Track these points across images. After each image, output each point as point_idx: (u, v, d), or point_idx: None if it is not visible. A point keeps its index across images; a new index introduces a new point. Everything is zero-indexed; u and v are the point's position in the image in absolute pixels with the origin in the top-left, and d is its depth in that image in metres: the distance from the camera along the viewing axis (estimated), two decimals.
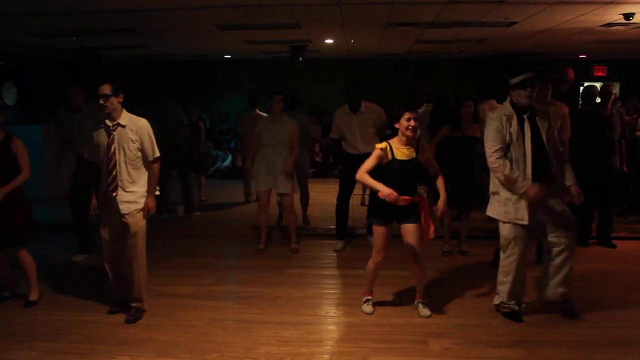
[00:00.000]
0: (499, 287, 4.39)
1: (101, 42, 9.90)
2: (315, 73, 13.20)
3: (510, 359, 3.73)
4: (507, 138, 4.14)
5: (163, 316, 4.44)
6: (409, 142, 4.19)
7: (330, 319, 4.47)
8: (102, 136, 4.27)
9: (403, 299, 4.78)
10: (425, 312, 4.41)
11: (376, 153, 4.18)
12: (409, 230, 4.27)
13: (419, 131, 4.26)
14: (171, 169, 8.07)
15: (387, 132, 5.06)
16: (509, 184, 4.12)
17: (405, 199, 4.13)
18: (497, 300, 4.44)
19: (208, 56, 13.39)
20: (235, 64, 14.16)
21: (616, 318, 4.44)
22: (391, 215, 4.26)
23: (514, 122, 4.13)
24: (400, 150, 4.18)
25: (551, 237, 4.24)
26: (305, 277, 5.49)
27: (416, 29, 9.15)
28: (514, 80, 4.15)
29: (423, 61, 13.57)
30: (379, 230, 4.32)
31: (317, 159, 12.31)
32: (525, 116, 4.14)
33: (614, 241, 6.47)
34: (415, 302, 4.50)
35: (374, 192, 4.31)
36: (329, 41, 10.85)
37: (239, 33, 9.52)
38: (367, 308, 4.51)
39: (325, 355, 3.79)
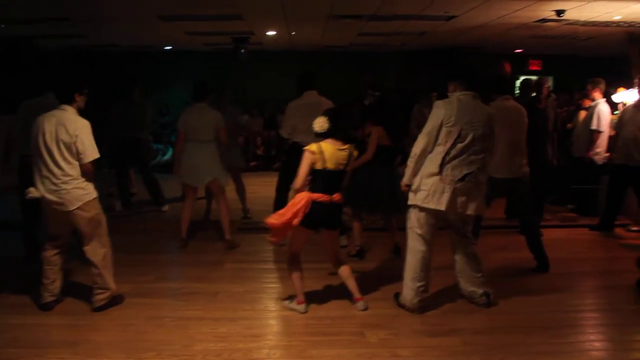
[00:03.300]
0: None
1: (36, 30, 9.54)
2: (258, 64, 13.12)
3: (446, 347, 3.84)
4: None
5: (98, 315, 4.34)
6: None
7: (269, 313, 4.48)
8: None
9: (340, 291, 4.81)
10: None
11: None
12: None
13: None
14: (129, 164, 7.93)
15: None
16: None
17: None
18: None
19: (149, 47, 13.11)
20: (177, 55, 13.90)
21: (546, 303, 4.64)
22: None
23: None
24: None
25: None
26: (245, 271, 5.47)
27: (358, 22, 9.22)
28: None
29: (366, 53, 13.67)
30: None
31: (259, 152, 12.27)
32: None
33: (542, 230, 6.72)
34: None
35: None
36: (271, 33, 10.80)
37: (180, 24, 9.36)
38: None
39: (264, 350, 3.80)
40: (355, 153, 4.34)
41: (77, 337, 3.96)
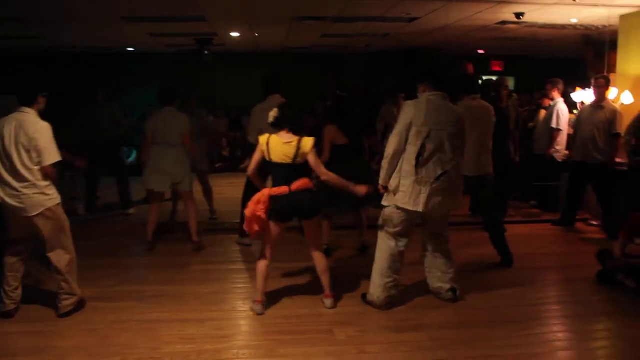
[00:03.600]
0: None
1: None
2: (223, 66, 13.06)
3: (412, 342, 3.88)
4: None
5: (62, 321, 4.24)
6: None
7: (237, 313, 4.44)
8: None
9: (308, 289, 4.84)
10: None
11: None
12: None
13: None
14: (100, 167, 7.83)
15: None
16: None
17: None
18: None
19: (111, 49, 12.92)
20: (140, 57, 13.74)
21: (510, 297, 4.74)
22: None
23: None
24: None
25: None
26: (212, 272, 5.43)
27: (322, 23, 9.25)
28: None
29: (331, 55, 13.73)
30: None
31: (225, 153, 12.19)
32: None
33: (506, 226, 6.85)
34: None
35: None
36: (235, 34, 10.76)
37: (143, 25, 9.25)
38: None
39: (232, 351, 3.77)
40: (307, 147, 4.22)
41: (42, 343, 3.87)
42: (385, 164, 4.29)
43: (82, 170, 7.43)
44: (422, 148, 4.16)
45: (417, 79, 4.39)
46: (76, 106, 7.85)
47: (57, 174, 4.23)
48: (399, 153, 4.23)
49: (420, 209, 4.18)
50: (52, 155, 4.10)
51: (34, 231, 4.23)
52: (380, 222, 4.44)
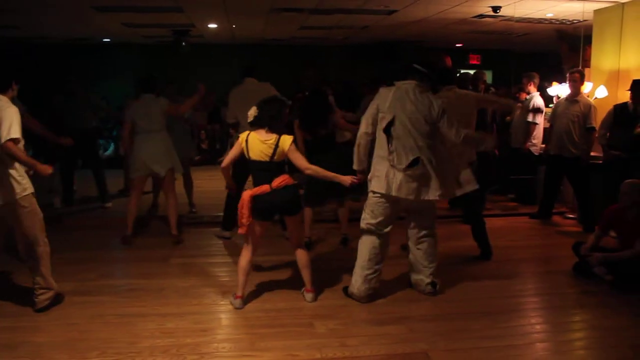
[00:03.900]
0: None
1: None
2: (201, 58, 12.94)
3: (393, 335, 3.89)
4: None
5: (39, 315, 4.18)
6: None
7: (216, 307, 4.41)
8: None
9: (288, 283, 4.84)
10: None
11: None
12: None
13: None
14: (77, 159, 7.68)
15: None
16: None
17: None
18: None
19: (86, 39, 12.71)
20: (116, 48, 13.54)
21: (488, 289, 4.79)
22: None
23: None
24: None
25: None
26: (191, 266, 5.39)
27: (300, 15, 9.22)
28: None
29: (309, 47, 13.69)
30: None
31: (204, 146, 12.09)
32: None
33: (485, 218, 6.92)
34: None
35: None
36: (213, 26, 10.66)
37: (116, 15, 9.11)
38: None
39: (212, 344, 3.75)
40: (285, 145, 4.16)
41: (18, 339, 3.79)
42: (355, 148, 4.39)
43: (60, 160, 7.36)
44: (389, 133, 4.20)
45: (403, 72, 4.39)
46: (50, 96, 7.73)
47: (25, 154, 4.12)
48: (365, 136, 4.33)
49: (393, 192, 4.20)
50: (13, 131, 3.91)
51: (6, 223, 4.14)
52: (363, 214, 4.44)
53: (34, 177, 4.24)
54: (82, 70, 13.35)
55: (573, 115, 6.71)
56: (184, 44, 11.19)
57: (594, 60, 7.73)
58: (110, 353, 3.60)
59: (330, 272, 5.08)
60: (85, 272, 5.15)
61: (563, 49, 9.77)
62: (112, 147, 12.07)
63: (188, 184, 7.20)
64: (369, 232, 4.39)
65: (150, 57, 13.36)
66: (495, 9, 8.06)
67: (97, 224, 6.94)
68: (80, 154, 7.89)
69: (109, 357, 3.55)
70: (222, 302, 4.49)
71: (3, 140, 3.91)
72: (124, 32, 11.14)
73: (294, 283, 4.74)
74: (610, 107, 6.49)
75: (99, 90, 12.86)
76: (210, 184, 8.20)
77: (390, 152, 4.21)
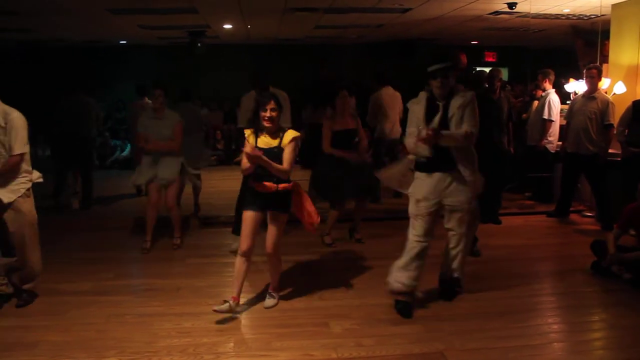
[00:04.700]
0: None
1: None
2: (215, 59, 12.99)
3: (408, 334, 3.88)
4: (419, 124, 4.15)
5: (58, 315, 4.23)
6: (270, 131, 4.15)
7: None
8: None
9: (303, 282, 4.85)
10: (270, 302, 4.39)
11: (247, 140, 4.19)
12: (270, 219, 4.21)
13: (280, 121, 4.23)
14: (75, 161, 7.80)
15: None
16: (417, 154, 4.16)
17: (265, 184, 4.09)
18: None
19: (102, 42, 12.83)
20: (132, 50, 13.65)
21: (505, 289, 4.74)
22: (261, 202, 4.17)
23: (422, 110, 4.16)
24: (262, 138, 4.16)
25: (448, 223, 4.35)
26: (207, 266, 5.42)
27: (314, 14, 9.22)
28: (428, 70, 4.11)
29: (323, 46, 13.68)
30: (246, 215, 4.19)
31: (219, 146, 12.15)
32: (440, 104, 4.14)
33: (501, 217, 6.89)
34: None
35: (245, 179, 4.30)
36: (228, 26, 10.70)
37: (132, 18, 9.18)
38: (222, 307, 4.08)
39: (229, 344, 3.77)
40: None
41: (37, 338, 3.84)
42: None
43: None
44: None
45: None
46: (58, 99, 7.87)
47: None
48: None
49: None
50: (19, 146, 4.17)
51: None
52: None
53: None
54: (97, 72, 13.53)
55: (590, 112, 6.63)
56: (199, 45, 11.24)
57: (612, 56, 7.62)
58: (128, 352, 3.63)
59: (344, 272, 5.09)
60: (103, 272, 5.20)
61: (578, 44, 9.65)
62: (128, 148, 12.17)
63: (196, 187, 7.21)
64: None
65: (165, 59, 13.43)
66: (511, 5, 7.99)
67: (114, 225, 6.98)
68: (75, 158, 7.89)
69: (126, 357, 3.59)
70: None
71: (13, 154, 4.14)
72: (140, 34, 11.22)
73: (310, 282, 4.75)
74: (629, 103, 6.40)
75: (115, 93, 13.05)
76: (225, 184, 8.23)
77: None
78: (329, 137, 5.74)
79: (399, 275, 4.18)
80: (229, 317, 4.19)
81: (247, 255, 4.18)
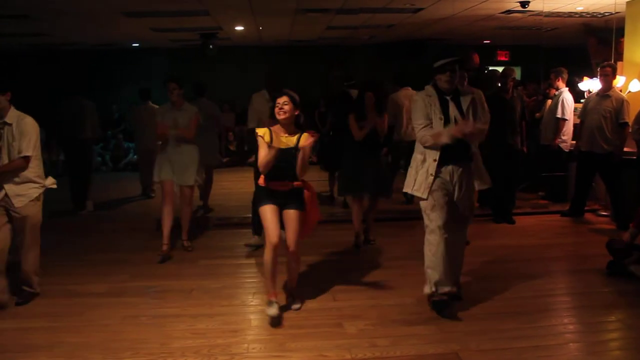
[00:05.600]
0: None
1: None
2: (227, 60, 13.03)
3: (423, 335, 3.87)
4: (431, 116, 4.10)
5: (74, 316, 4.27)
6: (288, 130, 4.16)
7: (246, 308, 4.46)
8: None
9: (317, 283, 4.84)
10: (296, 305, 4.37)
11: (259, 140, 4.13)
12: (289, 217, 4.20)
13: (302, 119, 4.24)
14: (75, 163, 7.84)
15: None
16: (437, 142, 4.05)
17: (281, 183, 4.14)
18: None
19: (115, 45, 12.91)
20: (144, 52, 13.73)
21: (519, 289, 4.71)
22: (277, 200, 4.17)
23: (436, 102, 4.11)
24: (279, 137, 4.14)
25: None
26: (220, 267, 5.44)
27: (325, 15, 9.23)
28: (435, 65, 4.09)
29: (335, 47, 13.68)
30: (266, 209, 4.16)
31: (232, 147, 12.18)
32: (448, 98, 4.11)
33: (515, 217, 6.85)
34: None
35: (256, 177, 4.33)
36: (240, 28, 10.73)
37: (145, 20, 9.24)
38: (272, 310, 4.07)
39: (243, 345, 3.78)
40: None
41: (54, 339, 3.88)
42: None
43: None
44: None
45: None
46: (59, 102, 7.96)
47: None
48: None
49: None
50: (29, 149, 4.27)
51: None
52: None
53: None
54: (110, 75, 13.63)
55: (605, 111, 6.57)
56: (211, 46, 11.29)
57: (626, 54, 7.54)
58: (143, 353, 3.66)
59: (357, 273, 5.09)
60: (117, 274, 5.24)
61: (591, 42, 9.57)
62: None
63: (207, 187, 7.23)
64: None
65: (178, 61, 13.50)
66: (524, 4, 7.95)
67: (128, 226, 7.04)
68: (74, 161, 7.95)
69: (142, 358, 3.61)
70: (251, 303, 4.53)
71: (21, 155, 4.22)
72: (152, 37, 11.28)
73: (323, 283, 4.75)
74: None
75: (126, 95, 13.12)
76: (238, 185, 8.26)
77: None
78: (356, 126, 5.69)
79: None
80: (243, 318, 4.20)
81: (277, 246, 4.09)
